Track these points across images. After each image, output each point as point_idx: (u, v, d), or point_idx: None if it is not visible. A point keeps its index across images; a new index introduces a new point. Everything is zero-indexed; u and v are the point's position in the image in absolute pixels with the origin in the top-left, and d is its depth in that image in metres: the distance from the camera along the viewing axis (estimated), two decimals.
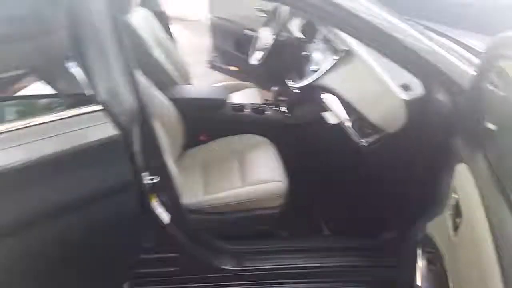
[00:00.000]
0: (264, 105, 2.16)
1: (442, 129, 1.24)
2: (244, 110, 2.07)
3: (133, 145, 1.13)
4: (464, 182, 0.97)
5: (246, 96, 2.40)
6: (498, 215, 0.81)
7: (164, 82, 1.89)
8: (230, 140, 1.98)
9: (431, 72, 1.24)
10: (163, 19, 2.20)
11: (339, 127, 1.60)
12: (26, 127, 0.99)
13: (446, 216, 1.06)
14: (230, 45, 3.10)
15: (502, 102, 0.93)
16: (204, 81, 3.60)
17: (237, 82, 2.74)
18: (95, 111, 1.05)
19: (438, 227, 1.14)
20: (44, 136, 0.99)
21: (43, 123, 1.02)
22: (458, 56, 1.26)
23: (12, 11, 1.00)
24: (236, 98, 2.35)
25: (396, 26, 1.25)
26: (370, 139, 1.47)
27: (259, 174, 1.69)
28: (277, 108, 2.12)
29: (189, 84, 2.26)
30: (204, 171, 1.82)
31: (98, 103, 1.06)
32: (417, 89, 1.31)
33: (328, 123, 1.67)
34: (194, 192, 1.66)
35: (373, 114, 1.43)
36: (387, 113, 1.37)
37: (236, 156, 1.86)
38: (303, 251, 1.65)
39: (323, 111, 1.72)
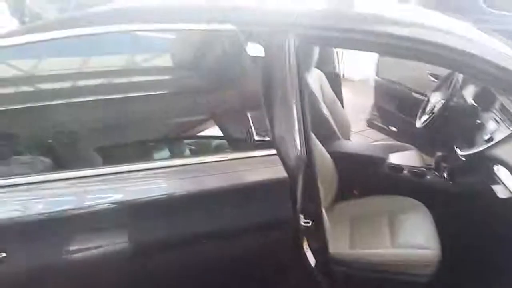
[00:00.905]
0: (424, 169, 2.09)
1: None
2: (403, 171, 2.04)
3: (297, 189, 1.26)
4: None
5: (405, 158, 2.36)
6: None
7: (326, 135, 2.03)
8: (383, 199, 1.96)
9: None
10: (335, 81, 2.39)
11: (509, 202, 1.46)
12: (205, 162, 1.22)
13: None
14: (392, 106, 3.11)
15: None
16: (359, 138, 3.67)
17: (395, 142, 2.72)
18: (270, 154, 1.23)
19: None
20: (223, 172, 1.21)
21: (224, 160, 1.25)
22: None
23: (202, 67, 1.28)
24: (394, 158, 2.33)
25: None
26: None
27: (411, 238, 1.63)
28: (438, 174, 2.03)
29: (349, 140, 2.35)
30: (352, 225, 1.84)
31: (273, 147, 1.24)
32: None
33: (498, 197, 1.53)
34: (339, 244, 1.69)
35: None
36: None
37: (387, 216, 1.83)
38: None
39: (492, 184, 1.59)
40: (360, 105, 3.69)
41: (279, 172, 1.20)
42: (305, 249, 1.39)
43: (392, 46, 1.20)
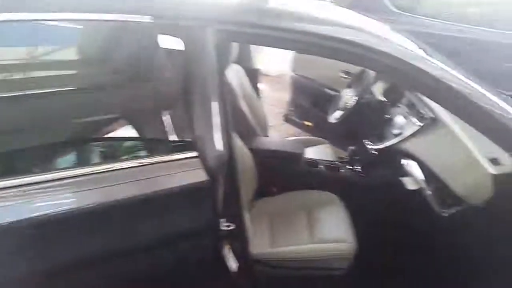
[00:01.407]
0: (339, 163, 2.17)
1: None
2: (318, 166, 2.10)
3: (219, 192, 1.20)
4: None
5: (319, 152, 2.44)
6: None
7: (245, 132, 2.00)
8: (300, 194, 2.00)
9: None
10: (253, 76, 2.37)
11: (417, 193, 1.57)
12: (118, 169, 1.09)
13: None
14: (308, 102, 3.20)
15: None
16: (276, 132, 3.73)
17: (310, 137, 2.80)
18: (191, 157, 1.16)
19: None
20: (138, 179, 1.09)
21: (139, 165, 1.12)
22: None
23: (113, 61, 1.16)
24: (309, 152, 2.39)
25: (486, 97, 1.21)
26: (452, 210, 1.42)
27: (328, 232, 1.68)
28: (352, 168, 2.12)
29: (267, 136, 2.35)
30: (272, 222, 1.85)
31: (193, 149, 1.17)
32: (507, 163, 1.27)
33: (406, 188, 1.63)
34: (260, 243, 1.68)
35: (458, 185, 1.39)
36: (473, 185, 1.33)
37: (304, 211, 1.87)
38: None
39: (401, 176, 1.70)
40: (276, 100, 3.74)
41: (200, 175, 1.14)
42: (228, 254, 1.35)
43: (314, 45, 1.19)
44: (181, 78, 1.18)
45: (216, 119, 1.14)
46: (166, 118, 1.31)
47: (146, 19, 1.11)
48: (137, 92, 1.31)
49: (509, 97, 1.40)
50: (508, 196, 1.24)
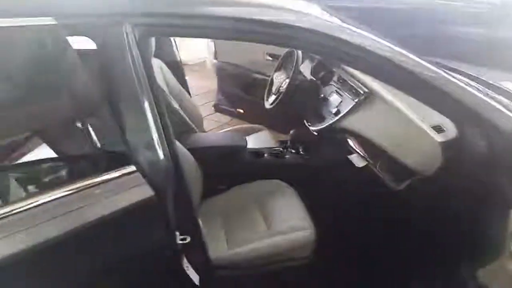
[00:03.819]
0: (282, 149, 2.12)
1: (481, 170, 1.19)
2: (264, 155, 2.03)
3: (168, 205, 1.07)
4: None
5: (259, 140, 2.37)
6: None
7: (181, 131, 1.86)
8: (248, 187, 1.91)
9: (465, 114, 1.20)
10: (177, 69, 2.21)
11: (366, 170, 1.56)
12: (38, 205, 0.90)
13: (505, 261, 1.00)
14: (236, 89, 3.11)
15: None
16: (208, 123, 3.61)
17: (247, 125, 2.72)
18: (129, 173, 1.00)
19: (495, 274, 1.08)
20: (65, 212, 0.92)
21: (64, 195, 0.94)
22: (490, 96, 1.24)
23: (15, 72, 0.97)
24: (249, 142, 2.32)
25: (424, 66, 1.21)
26: (405, 182, 1.43)
27: (285, 222, 1.62)
28: (295, 151, 2.08)
29: (204, 131, 2.23)
30: (225, 221, 1.75)
31: (130, 162, 1.02)
32: (450, 130, 1.29)
33: (355, 166, 1.62)
34: (217, 246, 1.58)
35: (407, 156, 1.39)
36: (423, 155, 1.34)
37: (257, 204, 1.80)
38: None
39: (347, 154, 1.69)
40: (200, 88, 3.61)
41: (143, 191, 0.99)
42: (186, 267, 1.23)
43: (236, 31, 1.09)
44: (101, 83, 1.02)
45: (152, 122, 1.00)
46: (88, 130, 1.12)
47: (47, 21, 0.93)
48: (47, 103, 1.10)
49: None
50: (456, 162, 1.26)
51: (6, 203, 0.92)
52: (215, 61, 3.15)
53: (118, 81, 1.00)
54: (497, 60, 3.03)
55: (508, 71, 2.37)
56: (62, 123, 1.15)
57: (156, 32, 1.14)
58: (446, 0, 3.78)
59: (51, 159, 1.14)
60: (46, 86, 1.05)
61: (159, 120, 1.03)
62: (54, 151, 1.15)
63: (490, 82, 1.52)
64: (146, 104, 0.99)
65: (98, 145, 1.12)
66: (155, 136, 1.01)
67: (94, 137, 1.12)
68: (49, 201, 0.91)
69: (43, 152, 1.14)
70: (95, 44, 1.00)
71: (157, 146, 1.02)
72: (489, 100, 1.19)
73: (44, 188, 0.98)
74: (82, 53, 1.00)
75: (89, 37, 1.00)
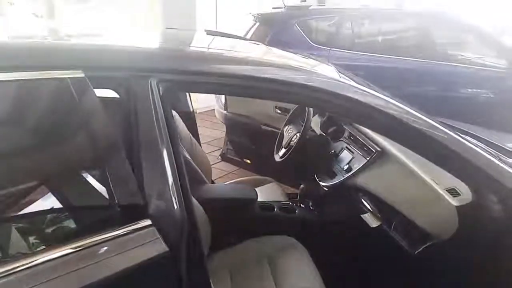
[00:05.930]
0: (292, 204, 2.10)
1: (495, 233, 1.17)
2: (274, 209, 2.01)
3: (182, 262, 1.04)
4: None
5: (268, 192, 2.35)
6: None
7: (192, 181, 1.85)
8: (259, 242, 1.86)
9: (477, 175, 1.20)
10: (190, 120, 2.24)
11: (380, 230, 1.53)
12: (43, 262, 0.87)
13: None
14: (245, 139, 3.15)
15: None
16: (214, 171, 3.61)
17: (256, 177, 2.72)
18: (144, 227, 0.99)
19: None
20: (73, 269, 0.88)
21: (73, 251, 0.91)
22: (496, 156, 1.25)
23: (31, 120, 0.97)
24: (259, 194, 2.29)
25: (434, 126, 1.21)
26: (421, 246, 1.39)
27: (296, 283, 1.57)
28: (305, 206, 2.06)
29: (213, 182, 2.22)
30: (233, 276, 1.69)
31: (145, 216, 1.00)
32: (465, 193, 1.28)
33: (368, 226, 1.60)
34: None
35: (423, 219, 1.37)
36: (439, 219, 1.32)
37: (266, 261, 1.74)
38: None
39: (359, 212, 1.66)
40: (208, 137, 3.65)
41: (157, 247, 0.97)
42: None
43: (253, 88, 1.13)
44: (119, 128, 1.03)
45: (170, 174, 1.00)
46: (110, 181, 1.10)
47: (77, 74, 0.96)
48: (59, 151, 1.09)
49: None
50: (472, 227, 1.24)
51: (7, 259, 0.89)
52: (225, 112, 3.21)
53: (140, 132, 1.01)
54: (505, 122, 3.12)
55: None
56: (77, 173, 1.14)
57: (180, 88, 1.18)
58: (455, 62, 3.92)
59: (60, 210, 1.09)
60: (70, 135, 1.07)
61: (176, 172, 1.03)
62: (61, 202, 1.11)
63: (501, 145, 1.53)
64: (165, 154, 1.00)
65: (114, 196, 1.11)
66: (172, 188, 1.01)
67: (110, 188, 1.11)
68: (55, 258, 0.88)
69: (48, 202, 1.09)
70: (116, 94, 1.04)
71: (173, 199, 1.01)
72: (502, 164, 1.20)
73: (50, 243, 0.96)
74: (104, 102, 1.02)
75: (113, 90, 1.03)
